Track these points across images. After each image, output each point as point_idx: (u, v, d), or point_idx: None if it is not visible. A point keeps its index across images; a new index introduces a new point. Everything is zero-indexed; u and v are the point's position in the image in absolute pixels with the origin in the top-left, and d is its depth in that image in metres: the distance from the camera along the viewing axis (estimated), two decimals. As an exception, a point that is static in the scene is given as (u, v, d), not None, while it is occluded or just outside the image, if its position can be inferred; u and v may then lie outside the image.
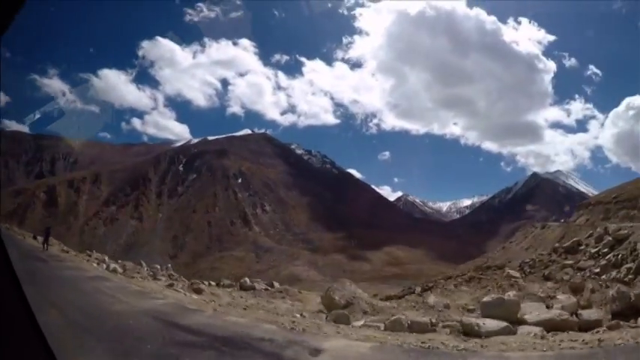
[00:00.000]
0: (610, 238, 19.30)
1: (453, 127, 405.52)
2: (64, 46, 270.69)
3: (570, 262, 19.63)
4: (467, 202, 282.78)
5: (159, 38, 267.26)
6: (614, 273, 15.74)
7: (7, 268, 3.38)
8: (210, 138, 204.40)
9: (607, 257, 17.75)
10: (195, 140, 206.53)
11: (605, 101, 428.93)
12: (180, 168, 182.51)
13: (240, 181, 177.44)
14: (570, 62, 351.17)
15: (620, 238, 18.84)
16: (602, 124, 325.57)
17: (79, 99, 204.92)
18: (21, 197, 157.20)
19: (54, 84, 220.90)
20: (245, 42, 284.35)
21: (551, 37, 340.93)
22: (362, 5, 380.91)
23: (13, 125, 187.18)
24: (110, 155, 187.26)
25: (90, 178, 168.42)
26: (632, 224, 21.87)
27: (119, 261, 23.38)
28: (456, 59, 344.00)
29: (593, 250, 19.43)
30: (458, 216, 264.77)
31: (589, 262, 18.52)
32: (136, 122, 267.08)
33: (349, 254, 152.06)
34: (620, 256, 16.96)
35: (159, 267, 24.48)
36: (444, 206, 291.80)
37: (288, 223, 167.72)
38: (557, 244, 26.23)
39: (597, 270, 17.00)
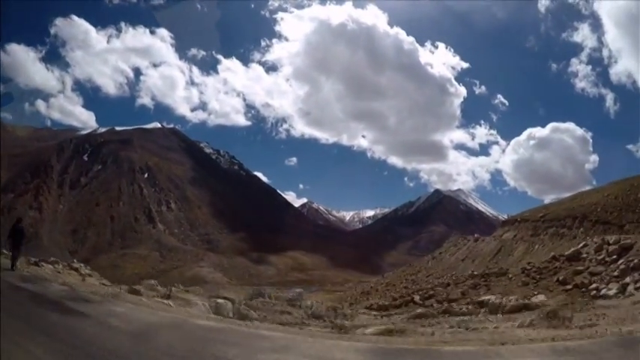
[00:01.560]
0: (615, 247, 22.14)
1: (362, 139, 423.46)
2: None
3: (580, 267, 21.69)
4: (370, 213, 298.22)
5: (74, 17, 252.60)
6: (636, 275, 17.94)
7: None
8: (118, 128, 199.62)
9: (619, 262, 20.17)
10: (103, 129, 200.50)
11: (508, 129, 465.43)
12: (85, 158, 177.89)
13: (146, 175, 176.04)
14: (480, 90, 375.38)
15: (626, 247, 21.79)
16: (504, 150, 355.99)
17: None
18: None
19: None
20: (163, 32, 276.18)
21: (465, 64, 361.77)
22: (285, 10, 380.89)
23: None
24: (11, 138, 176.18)
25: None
26: (629, 236, 25.77)
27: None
28: (371, 74, 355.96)
29: (599, 258, 22.03)
30: (360, 225, 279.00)
31: (599, 268, 20.85)
32: (41, 105, 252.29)
33: (254, 257, 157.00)
34: (636, 260, 19.32)
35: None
36: (347, 215, 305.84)
37: (194, 222, 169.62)
38: (553, 253, 28.93)
39: (616, 273, 19.29)
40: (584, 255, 23.16)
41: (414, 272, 68.37)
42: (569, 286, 20.23)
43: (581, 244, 25.02)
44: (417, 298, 25.83)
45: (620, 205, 43.53)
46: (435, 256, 75.67)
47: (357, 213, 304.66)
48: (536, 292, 19.92)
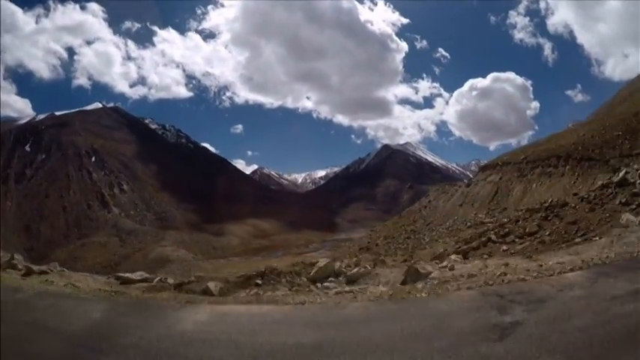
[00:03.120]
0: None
1: (306, 100, 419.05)
2: None
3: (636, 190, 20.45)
4: (321, 173, 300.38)
5: None
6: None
7: None
8: (58, 113, 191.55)
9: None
10: (42, 116, 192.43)
11: (451, 81, 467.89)
12: (27, 148, 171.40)
13: (93, 159, 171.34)
14: (421, 44, 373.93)
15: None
16: (447, 102, 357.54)
17: None
18: None
19: None
20: (94, 6, 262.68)
21: (405, 20, 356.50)
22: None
23: None
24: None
25: None
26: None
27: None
28: (311, 34, 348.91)
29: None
30: (313, 187, 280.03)
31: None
32: None
33: (214, 230, 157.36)
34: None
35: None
36: (299, 178, 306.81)
37: (148, 202, 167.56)
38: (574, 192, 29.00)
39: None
40: (631, 180, 22.37)
41: (410, 222, 69.11)
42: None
43: (622, 172, 24.26)
44: (492, 236, 24.76)
45: (600, 143, 44.76)
46: (426, 204, 76.29)
47: (308, 174, 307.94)
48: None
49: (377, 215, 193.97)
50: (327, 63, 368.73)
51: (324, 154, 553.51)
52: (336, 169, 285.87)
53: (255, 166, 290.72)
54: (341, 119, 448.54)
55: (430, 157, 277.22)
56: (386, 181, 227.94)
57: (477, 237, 28.50)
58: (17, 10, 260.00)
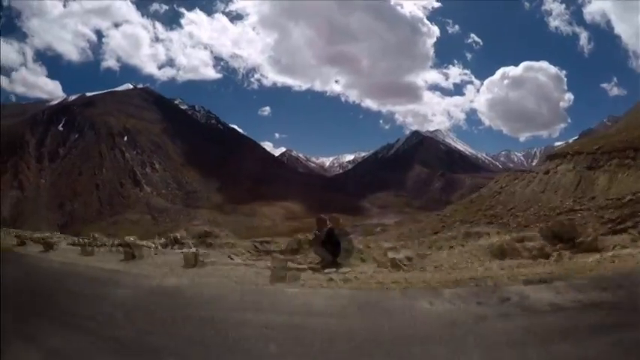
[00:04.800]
0: None
1: (335, 84, 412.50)
2: None
3: None
4: (349, 158, 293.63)
5: None
6: None
7: None
8: (89, 94, 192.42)
9: None
10: (73, 97, 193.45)
11: (482, 69, 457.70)
12: (60, 128, 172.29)
13: (126, 139, 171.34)
14: (453, 29, 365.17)
15: None
16: (478, 90, 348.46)
17: None
18: None
19: None
20: None
21: (436, 3, 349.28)
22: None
23: None
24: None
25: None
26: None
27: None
28: (340, 17, 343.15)
29: None
30: (341, 171, 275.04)
31: None
32: (3, 80, 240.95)
33: (245, 210, 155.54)
34: None
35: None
36: (327, 161, 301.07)
37: (180, 181, 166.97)
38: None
39: None
40: None
41: (487, 207, 67.53)
42: None
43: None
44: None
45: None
46: (499, 190, 74.17)
47: (336, 158, 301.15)
48: None
49: (407, 202, 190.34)
50: (356, 46, 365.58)
51: (351, 139, 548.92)
52: (363, 154, 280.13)
53: (283, 149, 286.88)
54: (369, 104, 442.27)
55: (460, 146, 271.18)
56: (415, 167, 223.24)
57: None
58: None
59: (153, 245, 15.09)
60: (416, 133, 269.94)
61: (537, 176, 66.72)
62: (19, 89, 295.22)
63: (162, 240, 17.39)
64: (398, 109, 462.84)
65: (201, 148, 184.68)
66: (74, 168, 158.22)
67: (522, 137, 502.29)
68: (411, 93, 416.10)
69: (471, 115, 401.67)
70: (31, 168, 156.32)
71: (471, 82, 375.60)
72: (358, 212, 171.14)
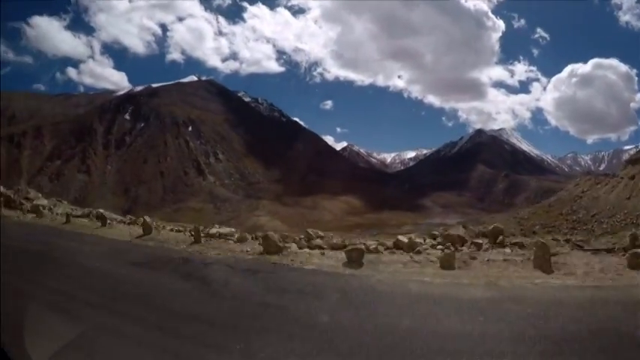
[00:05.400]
0: None
1: (397, 79, 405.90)
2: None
3: None
4: (411, 154, 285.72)
5: None
6: None
7: None
8: (155, 85, 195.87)
9: None
10: (139, 88, 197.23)
11: (549, 65, 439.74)
12: (127, 117, 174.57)
13: (190, 129, 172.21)
14: (519, 23, 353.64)
15: None
16: (544, 88, 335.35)
17: (10, 49, 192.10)
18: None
19: None
20: None
21: None
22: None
23: None
24: (50, 107, 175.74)
25: (31, 131, 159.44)
26: None
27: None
28: (404, 10, 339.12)
29: None
30: (402, 167, 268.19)
31: None
32: (72, 72, 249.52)
33: (307, 203, 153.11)
34: None
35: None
36: (388, 157, 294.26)
37: (243, 172, 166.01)
38: None
39: None
40: None
41: (569, 212, 64.45)
42: None
43: None
44: None
45: None
46: (580, 194, 70.33)
47: (397, 155, 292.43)
48: None
49: (470, 202, 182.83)
50: (419, 41, 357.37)
51: (413, 136, 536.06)
52: (425, 152, 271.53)
53: (345, 143, 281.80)
54: (432, 100, 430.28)
55: (525, 146, 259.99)
56: (479, 167, 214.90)
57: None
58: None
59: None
60: (480, 132, 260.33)
61: (622, 181, 63.58)
62: (87, 80, 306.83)
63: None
64: (461, 106, 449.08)
65: (263, 140, 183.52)
66: (139, 156, 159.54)
67: (590, 139, 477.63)
68: (475, 90, 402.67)
69: (537, 115, 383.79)
70: (98, 154, 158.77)
71: (537, 80, 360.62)
72: (419, 210, 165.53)
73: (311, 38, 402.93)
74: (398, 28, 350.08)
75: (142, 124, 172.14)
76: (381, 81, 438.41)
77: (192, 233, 12.83)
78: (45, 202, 26.60)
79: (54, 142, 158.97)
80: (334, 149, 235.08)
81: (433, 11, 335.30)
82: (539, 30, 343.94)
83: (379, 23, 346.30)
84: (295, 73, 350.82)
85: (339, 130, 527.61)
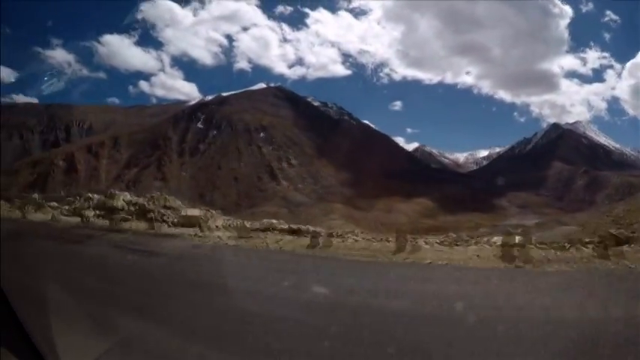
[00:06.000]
0: None
1: (466, 76, 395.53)
2: (62, 17, 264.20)
3: None
4: (484, 153, 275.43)
5: None
6: None
7: None
8: (225, 94, 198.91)
9: None
10: (210, 97, 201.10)
11: (623, 50, 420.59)
12: (200, 125, 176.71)
13: (262, 135, 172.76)
14: (587, 7, 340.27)
15: None
16: (619, 75, 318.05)
17: (84, 67, 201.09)
18: (40, 167, 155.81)
19: (58, 55, 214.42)
20: None
21: None
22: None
23: (20, 98, 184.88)
24: (124, 118, 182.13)
25: (108, 142, 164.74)
26: None
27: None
28: (466, 5, 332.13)
29: None
30: (475, 167, 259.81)
31: None
32: (144, 85, 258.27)
33: (380, 206, 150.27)
34: None
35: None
36: (461, 157, 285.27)
37: (316, 176, 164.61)
38: None
39: None
40: None
41: None
42: None
43: None
44: None
45: None
46: None
47: (470, 154, 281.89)
48: None
49: (547, 201, 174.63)
50: (485, 34, 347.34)
51: (485, 133, 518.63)
52: (498, 150, 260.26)
53: (416, 144, 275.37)
54: (503, 95, 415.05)
55: (602, 139, 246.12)
56: (555, 164, 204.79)
57: None
58: (174, 6, 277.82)
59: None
60: (554, 126, 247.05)
61: None
62: (159, 92, 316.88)
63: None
64: (533, 100, 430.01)
65: (334, 143, 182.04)
66: (213, 162, 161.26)
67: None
68: (547, 81, 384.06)
69: (613, 104, 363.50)
70: (173, 162, 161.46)
71: (611, 67, 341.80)
72: (495, 211, 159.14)
73: (375, 39, 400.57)
74: (462, 23, 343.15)
75: (215, 132, 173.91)
76: (449, 78, 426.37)
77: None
78: (197, 212, 25.36)
79: (130, 151, 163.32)
80: (406, 150, 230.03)
81: (497, 2, 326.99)
82: (608, 12, 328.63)
83: (443, 19, 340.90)
84: (362, 75, 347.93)
85: (409, 130, 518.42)
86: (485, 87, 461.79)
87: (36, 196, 40.78)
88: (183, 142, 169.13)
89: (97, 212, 26.81)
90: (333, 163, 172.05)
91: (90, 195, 31.89)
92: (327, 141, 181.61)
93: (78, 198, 33.51)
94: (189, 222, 16.00)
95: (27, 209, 34.34)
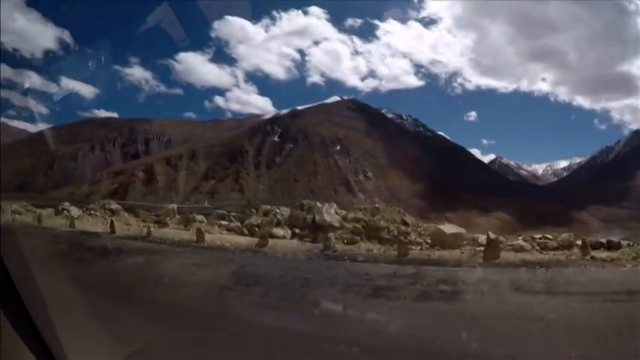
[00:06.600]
0: None
1: (541, 83, 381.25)
2: (139, 38, 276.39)
3: None
4: (563, 164, 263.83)
5: (227, 17, 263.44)
6: None
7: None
8: (299, 107, 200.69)
9: None
10: (284, 111, 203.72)
11: None
12: (276, 138, 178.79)
13: (338, 148, 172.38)
14: None
15: None
16: None
17: (161, 83, 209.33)
18: (120, 177, 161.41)
19: (136, 72, 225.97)
20: (315, 9, 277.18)
21: None
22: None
23: (101, 113, 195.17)
24: (202, 132, 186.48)
25: (187, 154, 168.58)
26: None
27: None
28: (538, 8, 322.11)
29: None
30: (555, 179, 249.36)
31: None
32: (219, 100, 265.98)
33: (459, 220, 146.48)
34: None
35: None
36: (540, 169, 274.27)
37: (392, 189, 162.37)
38: None
39: None
40: None
41: None
42: None
43: None
44: None
45: None
46: None
47: (549, 165, 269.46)
48: None
49: (634, 215, 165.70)
50: (559, 38, 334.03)
51: (564, 142, 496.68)
52: (579, 159, 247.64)
53: (493, 156, 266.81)
54: (581, 101, 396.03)
55: None
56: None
57: None
58: (246, 24, 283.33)
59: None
60: (637, 133, 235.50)
61: None
62: (234, 107, 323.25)
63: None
64: (613, 106, 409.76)
65: (410, 156, 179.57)
66: (290, 175, 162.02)
67: None
68: (627, 85, 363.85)
69: None
70: (250, 174, 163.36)
71: None
72: (577, 226, 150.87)
73: (446, 48, 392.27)
74: (535, 27, 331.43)
75: (291, 145, 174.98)
76: (524, 86, 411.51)
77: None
78: (454, 228, 23.38)
79: (208, 164, 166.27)
80: (482, 162, 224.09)
81: (569, 4, 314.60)
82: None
83: (514, 24, 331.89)
84: (435, 85, 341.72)
85: (485, 142, 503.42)
86: (562, 93, 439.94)
87: (174, 206, 37.02)
88: (260, 154, 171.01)
89: (297, 230, 24.42)
90: (409, 175, 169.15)
91: (268, 207, 29.29)
92: (402, 153, 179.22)
93: (248, 210, 31.36)
94: (446, 243, 14.45)
95: (171, 221, 30.98)
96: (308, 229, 21.63)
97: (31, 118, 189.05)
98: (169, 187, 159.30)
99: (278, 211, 25.81)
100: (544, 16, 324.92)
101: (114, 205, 31.29)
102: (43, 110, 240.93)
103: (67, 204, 30.25)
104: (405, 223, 18.73)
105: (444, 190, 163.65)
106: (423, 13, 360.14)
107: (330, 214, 21.22)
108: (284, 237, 21.45)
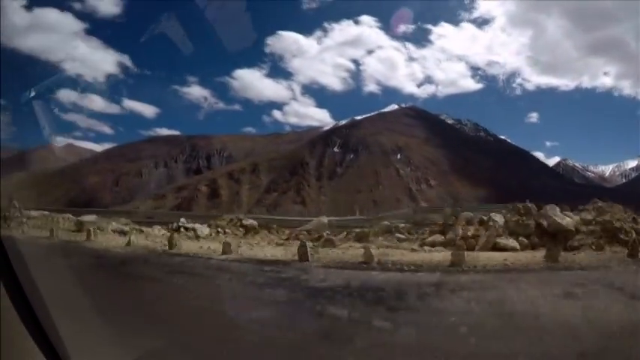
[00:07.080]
0: None
1: (604, 77, 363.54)
2: (196, 58, 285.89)
3: None
4: (632, 164, 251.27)
5: (280, 32, 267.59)
6: None
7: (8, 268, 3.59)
8: (358, 117, 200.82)
9: None
10: (343, 122, 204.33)
11: None
12: (336, 149, 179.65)
13: (399, 156, 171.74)
14: None
15: None
16: None
17: (220, 100, 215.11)
18: (184, 192, 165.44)
19: (194, 91, 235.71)
20: (365, 18, 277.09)
21: None
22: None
23: (163, 131, 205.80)
24: (262, 146, 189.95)
25: (248, 168, 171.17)
26: None
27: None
28: None
29: None
30: (623, 180, 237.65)
31: None
32: (277, 114, 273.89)
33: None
34: None
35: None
36: (607, 170, 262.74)
37: (456, 196, 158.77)
38: None
39: None
40: None
41: None
42: None
43: None
44: None
45: None
46: None
47: (617, 166, 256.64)
48: None
49: None
50: (619, 28, 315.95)
51: (632, 140, 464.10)
52: None
53: (557, 158, 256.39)
54: None
55: None
56: None
57: None
58: (299, 38, 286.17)
59: None
60: None
61: None
62: (292, 120, 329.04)
63: None
64: None
65: (472, 161, 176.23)
66: (352, 185, 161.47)
67: None
68: None
69: None
70: (311, 186, 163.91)
71: None
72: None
73: (502, 48, 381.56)
74: (592, 19, 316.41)
75: (352, 156, 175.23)
76: (586, 82, 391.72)
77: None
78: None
79: (270, 177, 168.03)
80: (547, 165, 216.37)
81: None
82: None
83: (570, 17, 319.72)
84: (494, 87, 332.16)
85: (548, 144, 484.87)
86: (627, 87, 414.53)
87: (324, 219, 30.80)
88: (321, 166, 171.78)
89: (523, 240, 20.10)
90: (472, 182, 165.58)
91: (471, 214, 23.34)
92: (464, 159, 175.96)
93: (446, 217, 23.26)
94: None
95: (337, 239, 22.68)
96: (536, 236, 19.62)
97: (96, 139, 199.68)
98: (232, 200, 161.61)
99: (492, 217, 22.46)
100: (600, 5, 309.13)
101: (248, 221, 27.43)
102: (107, 130, 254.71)
103: (183, 220, 27.55)
104: (635, 221, 17.65)
105: (508, 195, 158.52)
106: (475, 14, 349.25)
107: (560, 216, 19.52)
108: (514, 248, 18.85)
